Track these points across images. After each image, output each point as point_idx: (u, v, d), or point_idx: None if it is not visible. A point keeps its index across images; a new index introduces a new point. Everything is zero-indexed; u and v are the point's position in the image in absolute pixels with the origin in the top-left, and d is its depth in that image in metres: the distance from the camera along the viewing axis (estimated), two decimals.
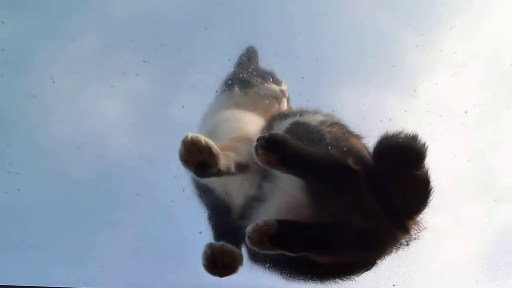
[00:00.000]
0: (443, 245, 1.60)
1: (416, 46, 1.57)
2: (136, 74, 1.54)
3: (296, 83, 1.54)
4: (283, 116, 1.52)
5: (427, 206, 1.25)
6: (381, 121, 1.32)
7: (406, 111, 1.48)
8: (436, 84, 1.57)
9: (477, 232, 1.63)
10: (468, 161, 1.56)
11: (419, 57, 1.61)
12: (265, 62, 1.62)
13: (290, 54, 1.59)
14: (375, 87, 1.59)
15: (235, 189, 1.45)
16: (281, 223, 1.20)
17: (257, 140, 1.21)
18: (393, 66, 1.55)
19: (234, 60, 1.56)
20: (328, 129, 1.39)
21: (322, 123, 1.42)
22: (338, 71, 1.58)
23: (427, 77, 1.59)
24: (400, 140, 1.22)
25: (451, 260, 1.62)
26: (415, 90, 1.54)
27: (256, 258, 1.37)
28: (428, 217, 1.28)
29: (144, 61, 1.50)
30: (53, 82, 1.48)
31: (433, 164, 1.24)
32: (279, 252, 1.21)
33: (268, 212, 1.29)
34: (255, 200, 1.37)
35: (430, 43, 1.60)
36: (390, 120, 1.33)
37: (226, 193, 1.45)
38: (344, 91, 1.58)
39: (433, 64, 1.63)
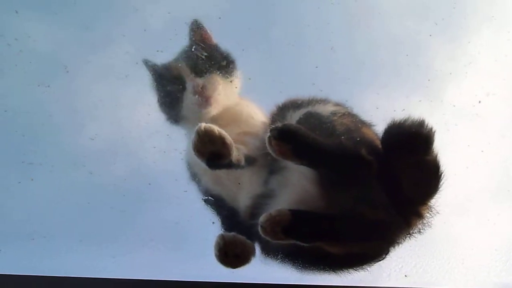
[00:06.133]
0: (455, 235, 1.60)
1: (430, 35, 1.56)
2: None
3: (309, 73, 1.53)
4: (296, 106, 1.50)
5: (438, 191, 1.25)
6: (394, 111, 1.31)
7: (420, 100, 1.47)
8: (450, 73, 1.56)
9: (490, 222, 1.63)
10: (482, 151, 1.55)
11: (433, 45, 1.59)
12: (277, 51, 1.60)
13: (303, 43, 1.58)
14: (388, 77, 1.58)
15: (244, 184, 1.45)
16: (295, 213, 1.20)
17: (270, 130, 1.20)
18: (407, 55, 1.54)
19: (248, 49, 1.54)
20: (340, 120, 1.38)
21: (334, 113, 1.41)
22: (352, 61, 1.57)
23: (441, 66, 1.58)
24: (407, 126, 1.22)
25: (463, 250, 1.62)
26: (428, 80, 1.53)
27: (268, 249, 1.38)
28: (439, 205, 1.28)
29: (157, 51, 1.50)
30: (67, 72, 1.48)
31: (446, 154, 1.23)
32: (292, 242, 1.21)
33: (279, 206, 1.28)
34: (263, 198, 1.37)
35: (445, 32, 1.58)
36: (404, 110, 1.32)
37: (239, 183, 1.45)
38: (358, 80, 1.57)
39: (447, 52, 1.62)
